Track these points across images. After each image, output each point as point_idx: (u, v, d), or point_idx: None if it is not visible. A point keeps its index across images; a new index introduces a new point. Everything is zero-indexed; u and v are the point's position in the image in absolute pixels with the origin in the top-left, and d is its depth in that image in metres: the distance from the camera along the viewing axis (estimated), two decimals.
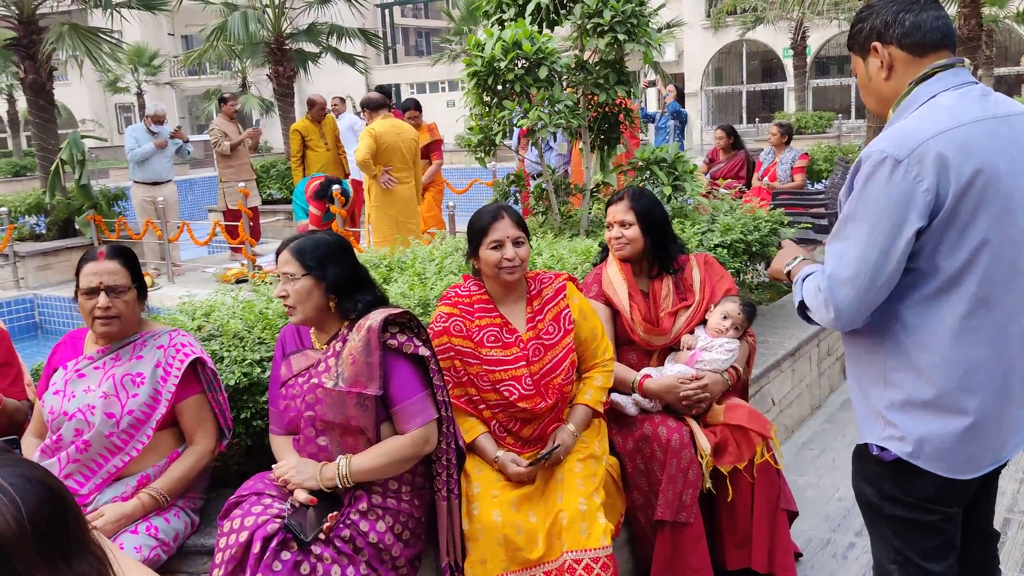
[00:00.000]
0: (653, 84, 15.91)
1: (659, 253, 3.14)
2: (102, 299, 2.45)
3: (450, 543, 2.47)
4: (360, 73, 16.72)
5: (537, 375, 2.70)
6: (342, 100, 10.94)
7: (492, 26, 4.87)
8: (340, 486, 2.33)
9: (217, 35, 13.64)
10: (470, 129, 4.90)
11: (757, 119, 28.26)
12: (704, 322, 3.13)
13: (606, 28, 4.56)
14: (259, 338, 2.93)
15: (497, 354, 2.71)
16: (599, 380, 2.85)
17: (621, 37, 4.54)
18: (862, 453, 1.98)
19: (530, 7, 4.75)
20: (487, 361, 2.70)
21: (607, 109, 4.99)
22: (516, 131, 5.14)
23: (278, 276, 2.48)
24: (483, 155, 4.90)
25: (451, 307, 2.77)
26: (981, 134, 1.76)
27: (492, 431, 2.72)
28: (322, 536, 2.24)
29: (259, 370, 2.76)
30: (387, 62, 35.95)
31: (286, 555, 2.18)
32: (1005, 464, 1.94)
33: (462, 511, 2.52)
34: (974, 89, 1.84)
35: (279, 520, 2.24)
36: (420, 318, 2.49)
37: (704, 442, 2.87)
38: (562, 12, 4.80)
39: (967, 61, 1.92)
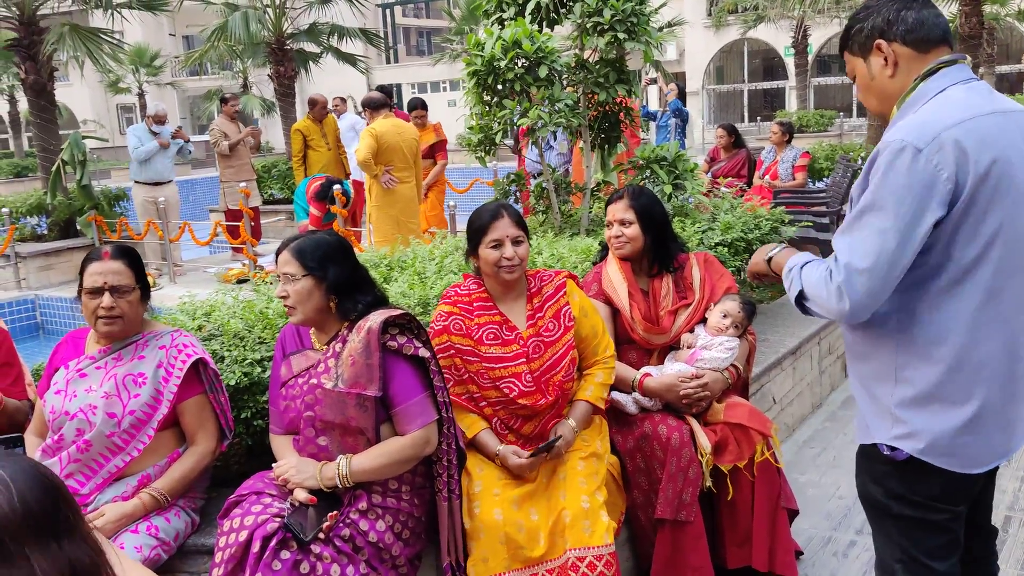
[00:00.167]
0: (654, 82, 15.90)
1: (659, 252, 3.14)
2: (106, 299, 2.45)
3: (451, 543, 2.47)
4: (361, 73, 16.73)
5: (537, 372, 2.71)
6: (343, 100, 10.95)
7: (492, 25, 4.87)
8: (340, 486, 2.33)
9: (218, 35, 13.66)
10: (470, 128, 4.91)
11: (758, 118, 28.28)
12: (704, 320, 3.13)
13: (606, 27, 4.55)
14: (259, 338, 2.93)
15: (497, 351, 2.71)
16: (600, 377, 2.85)
17: (621, 36, 4.54)
18: (868, 453, 1.97)
19: (530, 6, 4.75)
20: (486, 358, 2.70)
21: (607, 108, 4.99)
22: (517, 131, 5.14)
23: (278, 276, 2.48)
24: (483, 154, 4.91)
25: (451, 306, 2.77)
26: (994, 126, 1.77)
27: (493, 428, 2.73)
28: (322, 535, 2.24)
29: (259, 370, 2.77)
30: (388, 62, 35.96)
31: (286, 554, 2.18)
32: (1011, 458, 1.94)
33: (463, 510, 2.52)
34: (980, 84, 1.86)
35: (279, 519, 2.24)
36: (420, 317, 2.49)
37: (704, 440, 2.87)
38: (562, 11, 4.80)
39: (968, 57, 1.92)
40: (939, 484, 1.86)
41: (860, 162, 8.75)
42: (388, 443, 2.37)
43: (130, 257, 2.55)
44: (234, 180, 9.71)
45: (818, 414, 4.65)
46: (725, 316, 3.08)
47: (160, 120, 9.15)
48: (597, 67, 4.83)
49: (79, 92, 33.75)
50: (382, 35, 25.32)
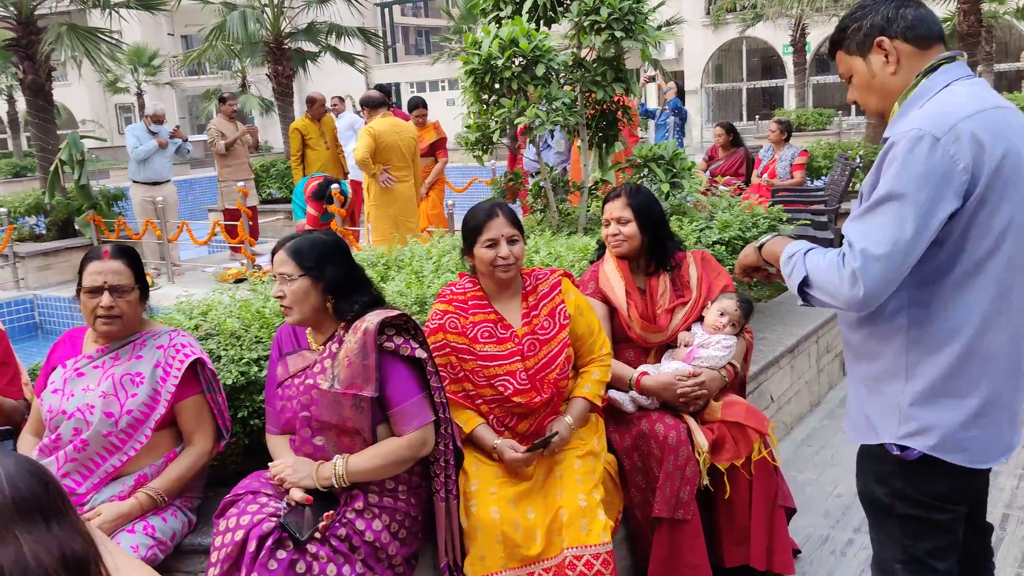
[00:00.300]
0: (653, 80, 15.90)
1: (656, 250, 3.14)
2: (105, 298, 2.45)
3: (448, 543, 2.48)
4: (360, 72, 16.72)
5: (532, 370, 2.71)
6: (341, 99, 10.94)
7: (489, 24, 4.86)
8: (336, 486, 2.33)
9: (216, 35, 13.66)
10: (468, 127, 4.90)
11: (757, 116, 28.23)
12: (701, 319, 3.13)
13: (603, 25, 4.55)
14: (256, 337, 2.93)
15: (491, 349, 2.71)
16: (596, 374, 2.85)
17: (618, 34, 4.53)
18: (873, 453, 1.96)
19: (527, 5, 4.74)
20: (481, 357, 2.70)
21: (605, 106, 4.99)
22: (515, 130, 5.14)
23: (275, 276, 2.48)
24: (480, 153, 4.91)
25: (446, 304, 2.78)
26: (1002, 120, 1.78)
27: (490, 426, 2.73)
28: (318, 535, 2.24)
29: (256, 369, 2.77)
30: (387, 61, 35.92)
31: (282, 554, 2.18)
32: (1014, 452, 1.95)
33: (460, 509, 2.52)
34: (981, 80, 1.88)
35: (275, 519, 2.24)
36: (417, 316, 2.49)
37: (701, 439, 2.87)
38: (559, 9, 4.80)
39: (965, 55, 1.93)
40: (946, 483, 1.86)
41: (858, 160, 8.75)
42: (385, 444, 2.37)
43: (130, 257, 2.55)
44: (232, 179, 9.71)
45: (816, 412, 4.66)
46: (722, 314, 3.07)
47: (158, 120, 9.14)
48: (594, 66, 4.82)
49: (77, 92, 33.74)
50: (380, 34, 25.26)
